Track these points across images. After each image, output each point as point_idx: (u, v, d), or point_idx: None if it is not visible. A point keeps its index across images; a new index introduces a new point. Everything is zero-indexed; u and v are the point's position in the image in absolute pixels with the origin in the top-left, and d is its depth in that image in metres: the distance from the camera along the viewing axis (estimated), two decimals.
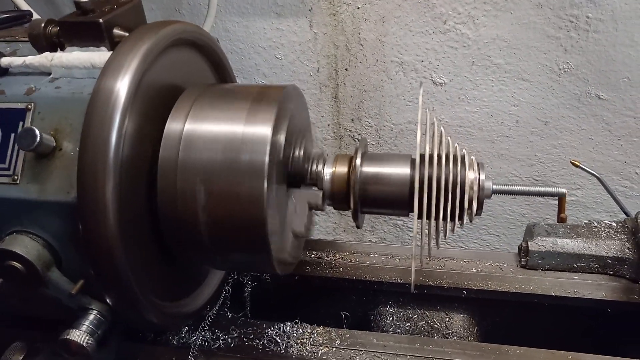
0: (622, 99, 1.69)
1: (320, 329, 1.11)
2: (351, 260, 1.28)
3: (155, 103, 0.91)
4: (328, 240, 1.43)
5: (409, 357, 1.04)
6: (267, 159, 0.85)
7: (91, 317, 0.88)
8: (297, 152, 0.98)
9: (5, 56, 0.96)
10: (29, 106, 0.89)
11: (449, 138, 0.97)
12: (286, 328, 1.10)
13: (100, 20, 0.93)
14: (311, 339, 1.09)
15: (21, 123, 0.89)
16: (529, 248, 1.20)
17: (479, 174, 0.94)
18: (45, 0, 1.93)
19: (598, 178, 1.28)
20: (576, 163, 1.32)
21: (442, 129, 0.96)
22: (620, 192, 1.85)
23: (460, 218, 0.94)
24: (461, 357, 1.03)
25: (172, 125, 0.91)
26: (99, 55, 0.91)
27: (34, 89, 0.91)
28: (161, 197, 0.89)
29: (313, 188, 1.00)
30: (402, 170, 0.97)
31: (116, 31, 0.95)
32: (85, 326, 0.87)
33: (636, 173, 1.83)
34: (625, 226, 1.20)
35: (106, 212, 0.79)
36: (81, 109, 0.83)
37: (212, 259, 1.01)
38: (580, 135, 1.79)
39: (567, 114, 1.76)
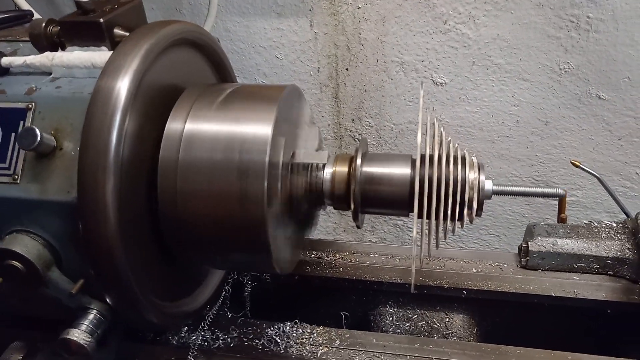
0: (622, 99, 1.69)
1: (320, 329, 1.11)
2: (351, 260, 1.28)
3: (156, 103, 0.91)
4: (328, 240, 1.43)
5: (408, 357, 1.04)
6: (267, 159, 0.85)
7: (91, 316, 0.88)
8: (297, 152, 0.98)
9: (6, 56, 0.96)
10: (30, 106, 0.89)
11: (449, 138, 0.97)
12: (286, 328, 1.10)
13: (101, 20, 0.93)
14: (311, 339, 1.09)
15: (22, 122, 0.89)
16: (529, 248, 1.20)
17: (479, 174, 0.94)
18: (46, 0, 1.93)
19: (598, 178, 1.28)
20: (576, 163, 1.32)
21: (442, 129, 0.96)
22: (620, 192, 1.85)
23: (461, 218, 0.94)
24: (461, 357, 1.03)
25: (173, 125, 0.91)
26: (100, 55, 0.91)
27: (34, 88, 0.91)
28: (161, 197, 0.89)
29: (315, 174, 0.99)
30: (402, 170, 0.97)
31: (117, 31, 0.95)
32: (85, 326, 0.87)
33: (636, 173, 1.83)
34: (626, 227, 1.20)
35: (106, 212, 0.79)
36: (82, 109, 0.83)
37: (212, 259, 1.01)
38: (580, 135, 1.79)
39: (567, 114, 1.76)
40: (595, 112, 1.74)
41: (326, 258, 1.29)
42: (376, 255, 1.29)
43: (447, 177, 0.92)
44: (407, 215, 1.00)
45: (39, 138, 0.82)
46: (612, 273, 1.17)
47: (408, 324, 1.24)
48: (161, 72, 0.92)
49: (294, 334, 1.10)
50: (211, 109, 0.93)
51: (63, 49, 0.96)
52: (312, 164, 1.00)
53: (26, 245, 0.85)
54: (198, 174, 0.88)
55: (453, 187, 0.92)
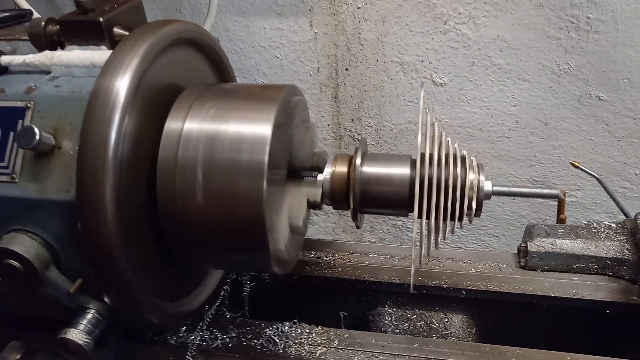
0: (622, 99, 1.69)
1: (318, 329, 1.11)
2: (350, 260, 1.28)
3: (155, 102, 0.91)
4: (327, 240, 1.43)
5: (407, 357, 1.03)
6: (266, 158, 0.84)
7: (89, 316, 0.88)
8: (296, 152, 0.98)
9: (5, 55, 0.96)
10: (29, 105, 0.89)
11: (449, 139, 0.97)
12: (284, 328, 1.10)
13: (101, 19, 0.93)
14: (309, 339, 1.09)
15: (20, 121, 0.88)
16: (528, 249, 1.20)
17: (478, 174, 0.94)
18: None
19: (598, 179, 1.28)
20: (576, 164, 1.32)
21: (442, 129, 0.96)
22: (619, 193, 1.85)
23: (460, 219, 0.94)
24: (460, 357, 1.03)
25: (172, 125, 0.91)
26: (99, 54, 0.91)
27: (33, 87, 0.91)
28: (161, 196, 0.89)
29: (314, 174, 0.99)
30: (402, 170, 0.97)
31: (116, 30, 0.95)
32: (83, 325, 0.87)
33: (636, 174, 1.83)
34: (625, 227, 1.20)
35: (105, 212, 0.79)
36: (81, 108, 0.83)
37: (211, 259, 1.01)
38: (580, 136, 1.79)
39: (567, 114, 1.76)
40: (594, 113, 1.74)
41: (325, 258, 1.29)
42: (375, 255, 1.29)
43: (446, 178, 0.92)
44: (406, 216, 1.00)
45: (37, 137, 0.82)
46: (611, 273, 1.17)
47: (407, 324, 1.24)
48: (161, 72, 0.92)
49: (293, 334, 1.10)
50: (210, 108, 0.93)
51: (62, 48, 0.96)
52: (311, 163, 1.00)
53: (24, 245, 0.84)
54: (197, 173, 0.87)
55: (452, 187, 0.92)
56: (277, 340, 1.08)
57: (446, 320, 1.23)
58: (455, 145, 0.97)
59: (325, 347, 1.07)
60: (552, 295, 1.15)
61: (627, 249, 1.16)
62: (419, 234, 0.92)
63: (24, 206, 0.86)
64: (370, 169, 0.98)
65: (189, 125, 0.90)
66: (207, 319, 1.12)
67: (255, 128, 0.87)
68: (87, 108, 0.81)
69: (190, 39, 1.01)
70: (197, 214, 0.88)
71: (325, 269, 1.26)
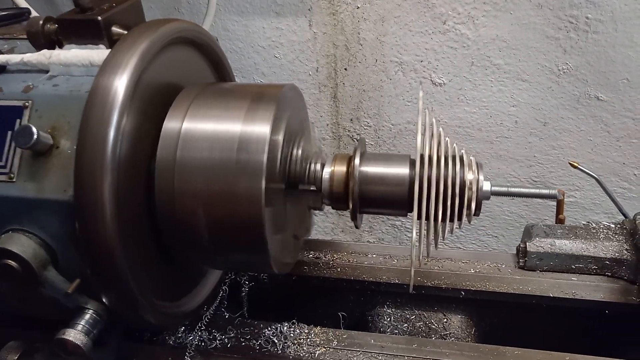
0: (621, 100, 1.69)
1: (317, 329, 1.11)
2: (349, 261, 1.28)
3: (154, 101, 0.91)
4: (326, 240, 1.43)
5: (406, 358, 1.03)
6: (265, 158, 0.84)
7: (87, 316, 0.88)
8: (295, 152, 0.98)
9: (3, 53, 0.96)
10: (27, 104, 0.89)
11: (447, 138, 0.96)
12: (283, 328, 1.10)
13: (99, 18, 0.92)
14: (308, 340, 1.09)
15: (18, 121, 0.88)
16: (527, 249, 1.19)
17: (477, 174, 0.94)
18: None
19: (596, 179, 1.28)
20: (575, 164, 1.32)
21: (441, 129, 0.96)
22: (618, 193, 1.85)
23: (459, 218, 0.94)
24: (459, 358, 1.03)
25: (170, 124, 0.91)
26: (97, 53, 0.91)
27: (31, 86, 0.91)
28: (159, 196, 0.89)
29: (311, 187, 1.00)
30: (401, 170, 0.97)
31: (115, 29, 0.94)
32: (81, 326, 0.87)
33: (634, 174, 1.83)
34: (624, 227, 1.20)
35: (104, 211, 0.79)
36: (79, 107, 0.83)
37: (210, 259, 1.01)
38: (579, 136, 1.79)
39: (566, 115, 1.76)
40: (593, 113, 1.74)
41: (324, 258, 1.29)
42: (374, 255, 1.29)
43: (445, 177, 0.92)
44: (406, 215, 1.00)
45: (35, 136, 0.81)
46: (610, 274, 1.17)
47: (406, 325, 1.23)
48: (159, 71, 0.92)
49: (292, 334, 1.10)
50: (209, 108, 0.93)
51: (60, 46, 0.96)
52: (310, 163, 1.00)
53: (22, 245, 0.84)
54: (196, 173, 0.87)
55: (452, 187, 0.92)
56: (276, 341, 1.08)
57: (445, 320, 1.23)
58: (455, 145, 0.97)
59: (324, 347, 1.07)
60: (551, 295, 1.14)
61: (626, 250, 1.16)
62: (418, 234, 0.92)
63: (22, 206, 0.85)
64: (369, 169, 0.98)
65: (188, 124, 0.90)
66: (206, 319, 1.12)
67: (254, 127, 0.87)
68: (86, 107, 0.81)
69: (189, 38, 1.00)
70: (195, 213, 0.88)
71: (324, 269, 1.26)
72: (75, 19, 0.94)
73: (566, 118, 1.77)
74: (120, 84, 0.81)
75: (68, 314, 0.89)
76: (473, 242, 2.15)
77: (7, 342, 1.01)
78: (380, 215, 2.08)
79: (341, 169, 0.99)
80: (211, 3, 1.72)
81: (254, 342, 1.08)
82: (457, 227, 0.95)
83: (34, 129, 0.82)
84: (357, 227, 1.03)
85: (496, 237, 2.11)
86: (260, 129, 0.86)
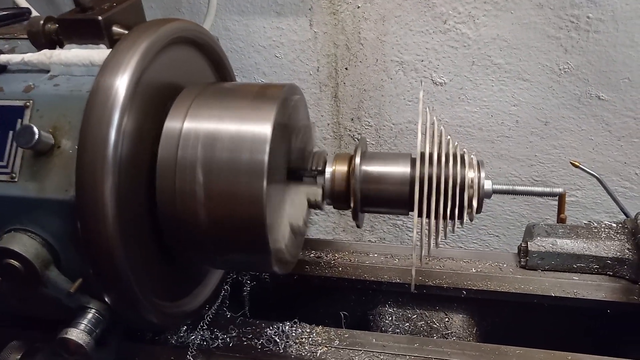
0: (622, 99, 1.69)
1: (319, 328, 1.11)
2: (350, 260, 1.28)
3: (155, 101, 0.91)
4: (327, 239, 1.43)
5: (408, 357, 1.03)
6: (266, 158, 0.84)
7: (89, 316, 0.88)
8: (296, 152, 0.98)
9: (3, 53, 0.96)
10: (28, 104, 0.89)
11: (449, 137, 0.96)
12: (285, 328, 1.10)
13: (100, 17, 0.92)
14: (310, 339, 1.09)
15: (19, 120, 0.88)
16: (529, 248, 1.19)
17: (478, 172, 0.94)
18: None
19: (598, 179, 1.28)
20: (576, 163, 1.32)
21: (442, 128, 0.96)
22: (620, 192, 1.85)
23: (460, 217, 0.94)
24: (460, 357, 1.03)
25: (171, 124, 0.90)
26: (98, 53, 0.91)
27: (32, 86, 0.91)
28: (160, 196, 0.89)
29: (314, 173, 0.99)
30: (402, 169, 0.97)
31: (115, 29, 0.94)
32: (83, 325, 0.87)
33: (636, 174, 1.83)
34: (625, 227, 1.20)
35: (105, 211, 0.78)
36: (80, 107, 0.83)
37: (211, 259, 1.01)
38: (580, 135, 1.79)
39: (567, 114, 1.76)
40: (595, 113, 1.73)
41: (325, 258, 1.29)
42: (375, 254, 1.29)
43: (446, 176, 0.92)
44: (407, 214, 1.00)
45: (36, 136, 0.81)
46: (611, 273, 1.17)
47: (407, 324, 1.23)
48: (160, 71, 0.92)
49: (293, 334, 1.10)
50: (210, 107, 0.93)
51: (61, 46, 0.96)
52: (311, 163, 1.00)
53: (24, 244, 0.84)
54: (197, 173, 0.87)
55: (453, 185, 0.92)
56: (278, 340, 1.08)
57: (447, 319, 1.23)
58: (456, 144, 0.97)
59: (326, 346, 1.07)
60: (553, 295, 1.14)
61: (628, 249, 1.16)
62: (419, 233, 0.92)
63: (24, 205, 0.85)
64: (370, 168, 0.98)
65: (189, 124, 0.90)
66: (208, 318, 1.12)
67: (255, 127, 0.87)
68: (87, 107, 0.81)
69: (190, 38, 1.00)
70: (197, 213, 0.88)
71: (326, 268, 1.26)
72: (75, 18, 0.94)
73: (567, 117, 1.77)
74: (121, 84, 0.81)
75: (69, 313, 0.89)
76: (474, 241, 2.15)
77: (7, 342, 1.01)
78: (382, 215, 2.08)
79: (342, 168, 0.99)
80: (212, 3, 1.72)
81: (256, 341, 1.08)
82: (459, 225, 0.95)
83: (35, 129, 0.82)
84: (358, 227, 1.03)
85: (497, 236, 2.11)
86: (261, 128, 0.86)
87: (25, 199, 0.85)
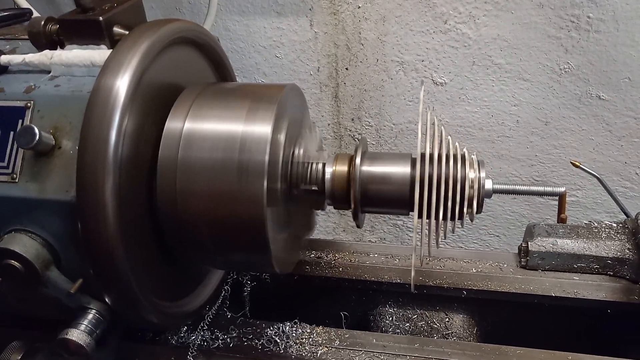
0: (622, 99, 1.69)
1: (319, 329, 1.11)
2: (351, 260, 1.28)
3: (155, 102, 0.91)
4: (328, 240, 1.42)
5: (408, 357, 1.03)
6: (267, 158, 0.84)
7: (90, 316, 0.88)
8: (297, 151, 0.98)
9: (4, 54, 0.96)
10: (29, 104, 0.89)
11: (449, 137, 0.96)
12: (285, 328, 1.10)
13: (100, 18, 0.92)
14: (310, 339, 1.09)
15: (20, 121, 0.88)
16: (529, 248, 1.19)
17: (479, 172, 0.94)
18: None
19: (598, 179, 1.27)
20: (576, 163, 1.31)
21: (442, 128, 0.96)
22: (620, 192, 1.85)
23: (461, 217, 0.94)
24: (461, 357, 1.03)
25: (172, 124, 0.91)
26: (99, 54, 0.91)
27: (33, 87, 0.91)
28: (161, 196, 0.89)
29: (313, 187, 0.99)
30: (402, 169, 0.97)
31: (116, 29, 0.95)
32: (84, 325, 0.87)
33: (636, 174, 1.83)
34: (626, 227, 1.20)
35: (106, 212, 0.79)
36: (81, 107, 0.83)
37: (212, 259, 1.01)
38: (580, 135, 1.79)
39: (567, 114, 1.76)
40: (595, 113, 1.73)
41: (326, 258, 1.29)
42: (376, 255, 1.28)
43: (447, 176, 0.92)
44: (407, 214, 1.00)
45: (37, 137, 0.82)
46: (612, 273, 1.17)
47: (408, 324, 1.23)
48: (161, 71, 0.92)
49: (294, 334, 1.10)
50: (211, 108, 0.93)
51: (62, 47, 0.96)
52: (311, 163, 1.00)
53: (25, 245, 0.84)
54: (198, 173, 0.87)
55: (453, 185, 0.92)
56: (278, 340, 1.08)
57: (447, 320, 1.23)
58: (456, 144, 0.97)
59: (327, 347, 1.07)
60: (553, 295, 1.14)
61: (628, 249, 1.16)
62: (420, 233, 0.92)
63: (24, 206, 0.86)
64: (370, 168, 0.98)
65: (190, 124, 0.90)
66: (208, 319, 1.12)
67: (256, 127, 0.87)
68: (87, 107, 0.81)
69: (190, 38, 1.00)
70: (197, 214, 0.88)
71: (326, 268, 1.26)
72: (76, 19, 0.94)
73: (568, 117, 1.77)
74: (121, 84, 0.81)
75: (70, 314, 0.89)
76: (475, 241, 2.15)
77: (7, 342, 1.01)
78: (382, 215, 2.08)
79: (342, 168, 0.99)
80: (212, 3, 1.72)
81: (256, 341, 1.08)
82: (459, 225, 0.95)
83: (36, 130, 0.82)
84: (358, 227, 1.03)
85: (498, 236, 2.11)
86: (261, 129, 0.87)
87: (26, 200, 0.85)
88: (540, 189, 1.04)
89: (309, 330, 1.10)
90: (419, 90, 0.92)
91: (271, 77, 1.93)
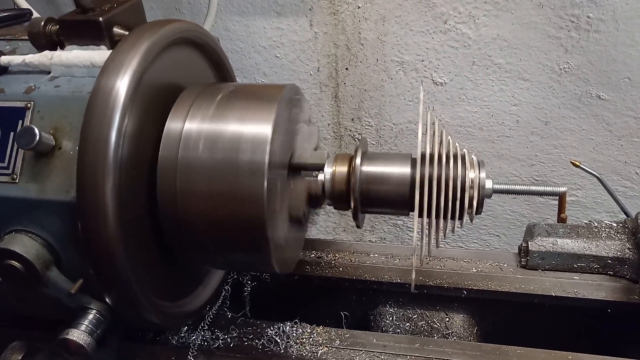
0: (622, 99, 1.69)
1: (319, 328, 1.11)
2: (351, 260, 1.28)
3: (155, 102, 0.91)
4: (328, 240, 1.43)
5: (408, 357, 1.03)
6: (267, 158, 0.84)
7: (90, 316, 0.88)
8: (297, 151, 0.98)
9: (4, 54, 0.96)
10: (29, 105, 0.89)
11: (449, 137, 0.96)
12: (286, 328, 1.10)
13: (100, 18, 0.92)
14: (311, 339, 1.09)
15: (20, 122, 0.88)
16: (529, 248, 1.19)
17: (479, 172, 0.94)
18: None
19: (598, 178, 1.28)
20: (576, 163, 1.32)
21: (442, 128, 0.96)
22: (620, 192, 1.84)
23: (461, 217, 0.94)
24: (461, 357, 1.03)
25: (172, 125, 0.91)
26: (99, 54, 0.91)
27: (33, 87, 0.91)
28: (161, 197, 0.89)
29: (314, 174, 0.99)
30: (402, 169, 0.97)
31: (116, 30, 0.95)
32: (84, 326, 0.87)
33: (636, 173, 1.82)
34: (626, 226, 1.20)
35: (106, 212, 0.79)
36: (81, 108, 0.83)
37: (212, 259, 1.01)
38: (580, 135, 1.79)
39: (567, 114, 1.76)
40: (595, 112, 1.73)
41: (326, 258, 1.29)
42: (376, 255, 1.29)
43: (447, 176, 0.92)
44: (407, 215, 1.00)
45: (37, 137, 0.82)
46: (612, 273, 1.17)
47: (408, 324, 1.23)
48: (161, 71, 0.92)
49: (294, 334, 1.10)
50: (211, 108, 0.93)
51: (62, 47, 0.96)
52: (311, 163, 1.00)
53: (25, 245, 0.84)
54: (198, 173, 0.87)
55: (453, 185, 0.92)
56: (279, 340, 1.08)
57: (447, 319, 1.23)
58: (456, 144, 0.97)
59: (327, 346, 1.07)
60: (553, 294, 1.14)
61: (628, 248, 1.16)
62: (420, 233, 0.92)
63: (25, 206, 0.86)
64: (370, 169, 0.98)
65: (190, 125, 0.90)
66: (209, 319, 1.12)
67: (256, 128, 0.87)
68: (87, 108, 0.81)
69: (190, 38, 1.01)
70: (197, 214, 0.88)
71: (326, 268, 1.26)
72: (76, 19, 0.94)
73: (567, 117, 1.76)
74: (121, 85, 0.81)
75: (70, 314, 0.89)
76: (475, 241, 2.15)
77: (7, 342, 1.02)
78: (382, 215, 2.08)
79: (342, 168, 0.99)
80: (212, 3, 1.72)
81: (257, 341, 1.08)
82: (459, 225, 0.95)
83: (36, 130, 0.82)
84: (358, 227, 1.03)
85: (498, 236, 2.11)
86: (262, 129, 0.87)
87: (26, 200, 0.85)
88: (541, 188, 1.04)
89: (309, 330, 1.11)
90: (419, 90, 0.92)
91: (271, 77, 1.93)
